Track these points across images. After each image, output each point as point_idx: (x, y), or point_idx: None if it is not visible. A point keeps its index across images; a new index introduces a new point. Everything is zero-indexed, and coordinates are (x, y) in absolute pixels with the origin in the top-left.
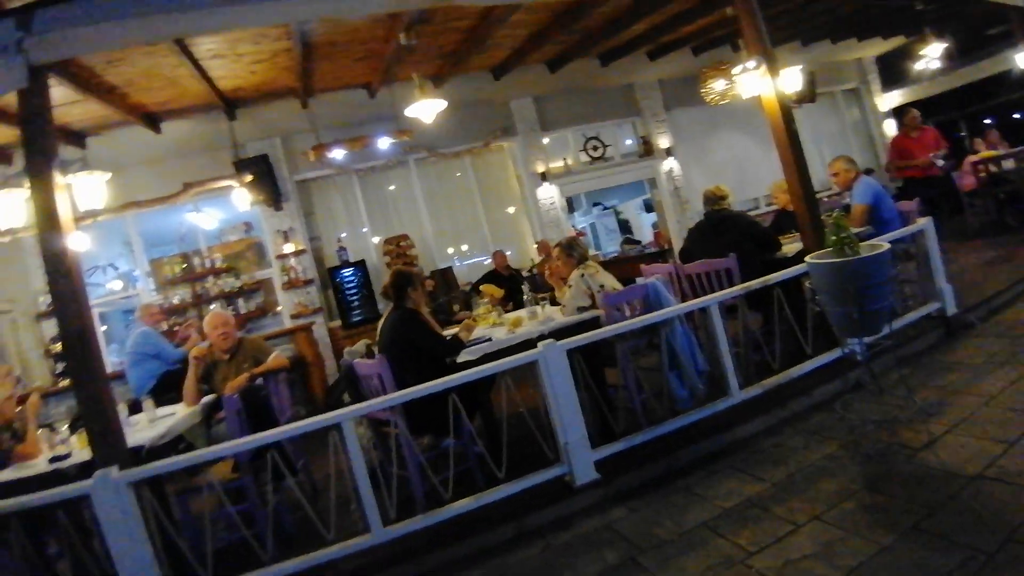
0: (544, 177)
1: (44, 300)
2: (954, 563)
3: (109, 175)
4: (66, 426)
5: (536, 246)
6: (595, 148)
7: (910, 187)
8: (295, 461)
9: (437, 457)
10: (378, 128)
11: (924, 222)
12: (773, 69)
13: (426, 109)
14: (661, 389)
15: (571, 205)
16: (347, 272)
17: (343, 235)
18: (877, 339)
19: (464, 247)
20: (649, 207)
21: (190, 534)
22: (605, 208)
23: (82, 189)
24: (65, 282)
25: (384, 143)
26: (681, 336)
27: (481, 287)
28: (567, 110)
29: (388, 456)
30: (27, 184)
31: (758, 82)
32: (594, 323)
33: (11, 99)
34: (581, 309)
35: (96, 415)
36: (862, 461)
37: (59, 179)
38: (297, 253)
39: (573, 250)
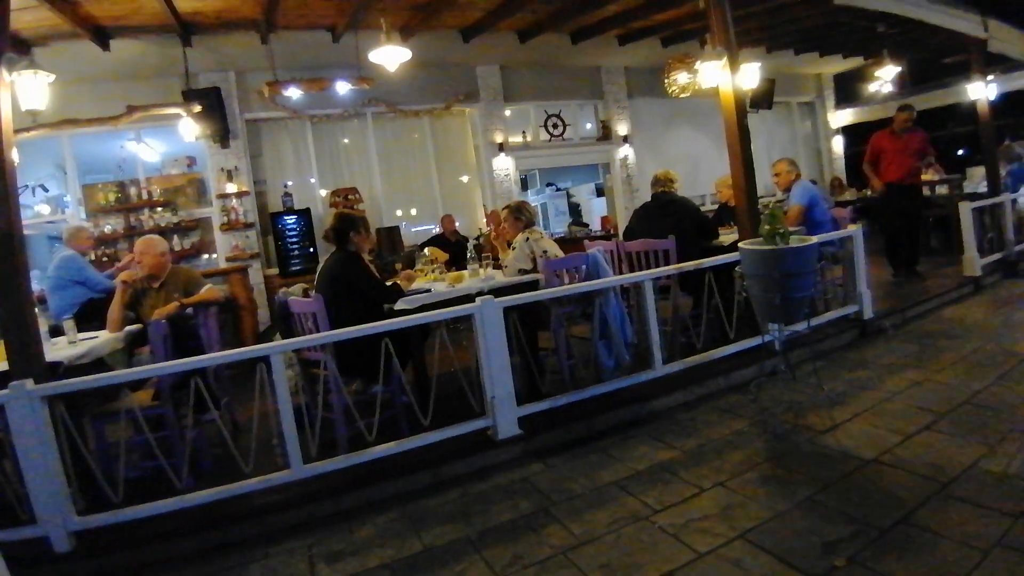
0: (502, 148)
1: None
2: (845, 534)
3: (53, 77)
4: None
5: (486, 217)
6: (555, 126)
7: (890, 193)
8: (219, 398)
9: (364, 403)
10: (338, 74)
11: (854, 228)
12: (734, 63)
13: (390, 56)
14: (589, 356)
15: (525, 183)
16: (290, 220)
17: (290, 183)
18: (795, 330)
19: (413, 211)
20: (600, 193)
21: (105, 461)
22: (558, 189)
23: (25, 88)
24: None
25: (343, 88)
26: (614, 308)
27: (427, 248)
28: (532, 83)
29: (314, 399)
30: None
31: (718, 74)
32: (533, 286)
33: None
34: (522, 272)
35: (16, 326)
36: (768, 439)
37: (4, 76)
38: (240, 194)
39: (521, 213)
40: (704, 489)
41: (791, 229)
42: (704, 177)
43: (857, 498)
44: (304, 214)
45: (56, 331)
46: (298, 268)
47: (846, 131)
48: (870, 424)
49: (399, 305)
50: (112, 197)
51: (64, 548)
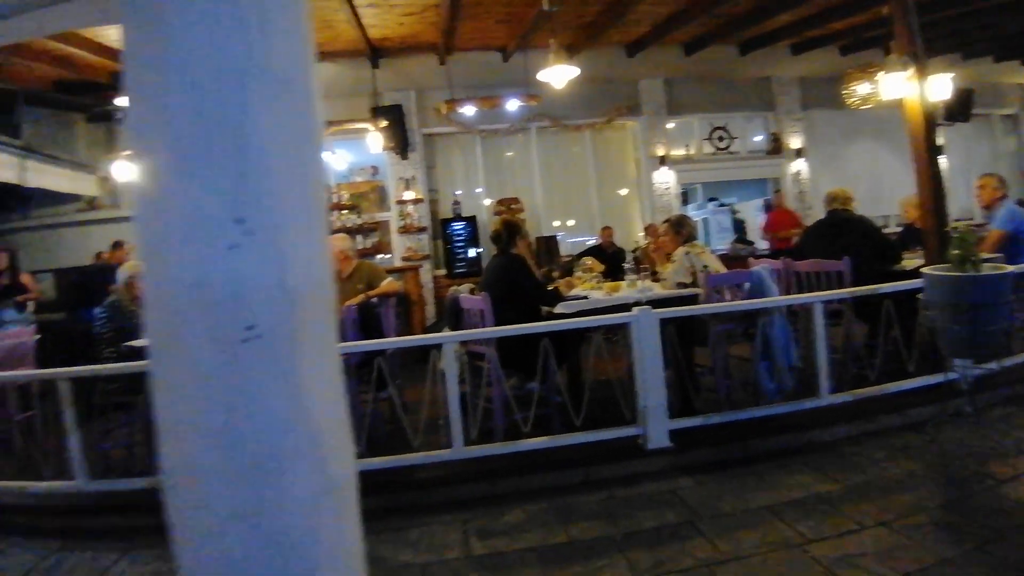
0: (663, 161)
1: None
2: None
3: None
4: None
5: (644, 230)
6: (721, 139)
7: None
8: (394, 379)
9: (520, 398)
10: (507, 92)
11: None
12: (921, 72)
13: (558, 74)
14: (749, 377)
15: (685, 197)
16: (458, 226)
17: (459, 192)
18: (985, 369)
19: (571, 222)
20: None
21: None
22: (721, 204)
23: None
24: None
25: (513, 105)
26: (779, 329)
27: (584, 258)
28: (697, 96)
29: (476, 390)
30: None
31: (903, 84)
32: (692, 301)
33: None
34: (681, 285)
35: None
36: (942, 483)
37: None
38: (415, 201)
39: (682, 227)
40: (865, 526)
41: (987, 256)
42: (888, 195)
43: None
44: (471, 221)
45: None
46: (463, 270)
47: None
48: None
49: (557, 309)
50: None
51: None
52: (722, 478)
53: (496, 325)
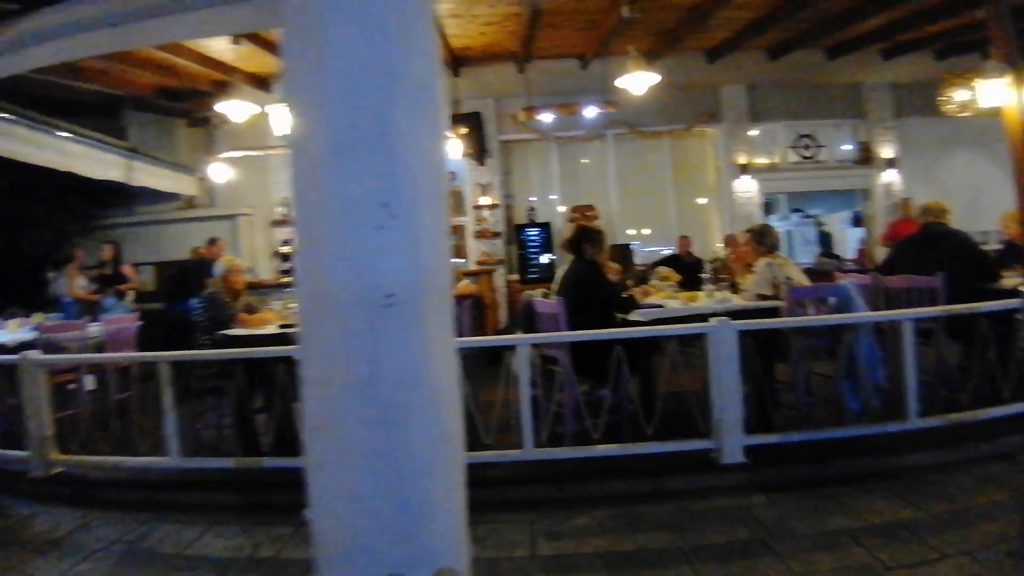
0: (745, 170)
1: (280, 210)
2: None
3: None
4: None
5: (723, 240)
6: (807, 147)
7: None
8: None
9: (591, 403)
10: (585, 99)
11: None
12: (1020, 79)
13: (638, 81)
14: (831, 395)
15: (768, 208)
16: (532, 232)
17: (533, 198)
18: None
19: (646, 231)
20: (857, 222)
21: None
22: (806, 216)
23: None
24: None
25: (592, 112)
26: (866, 347)
27: (659, 267)
28: (782, 102)
29: (548, 394)
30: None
31: (1001, 91)
32: (772, 313)
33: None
34: (761, 297)
35: None
36: None
37: None
38: (491, 207)
39: (764, 237)
40: (947, 555)
41: None
42: (989, 210)
43: None
44: (545, 227)
45: None
46: (536, 276)
47: None
48: None
49: (632, 316)
50: None
51: None
52: (798, 498)
53: (570, 330)
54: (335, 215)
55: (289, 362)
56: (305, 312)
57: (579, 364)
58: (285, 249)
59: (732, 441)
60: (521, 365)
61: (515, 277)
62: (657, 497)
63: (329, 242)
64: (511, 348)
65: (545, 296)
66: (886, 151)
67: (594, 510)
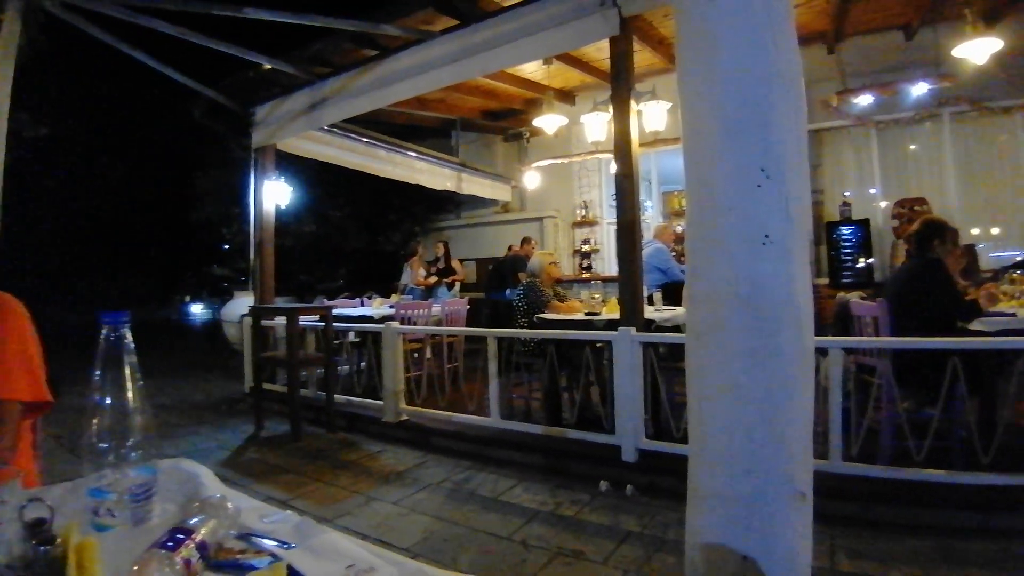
0: None
1: (580, 212)
2: None
3: (670, 104)
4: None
5: None
6: None
7: None
8: None
9: (914, 422)
10: (912, 75)
11: None
12: None
13: (977, 49)
14: None
15: None
16: (846, 230)
17: (848, 192)
18: None
19: (995, 230)
20: None
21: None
22: None
23: (650, 114)
24: (627, 183)
25: (920, 89)
26: None
27: (1012, 272)
28: None
29: (861, 406)
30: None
31: None
32: None
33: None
34: None
35: (629, 291)
36: None
37: (632, 105)
38: None
39: None
40: None
41: None
42: None
43: None
44: (862, 225)
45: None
46: (849, 280)
47: None
48: None
49: (973, 326)
50: (680, 203)
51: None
52: None
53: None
54: (724, 178)
55: (593, 346)
56: (694, 250)
57: (903, 376)
58: (586, 248)
59: None
60: (832, 372)
61: (824, 281)
62: (983, 534)
63: (718, 199)
64: (822, 352)
65: (862, 298)
66: None
67: (906, 538)
